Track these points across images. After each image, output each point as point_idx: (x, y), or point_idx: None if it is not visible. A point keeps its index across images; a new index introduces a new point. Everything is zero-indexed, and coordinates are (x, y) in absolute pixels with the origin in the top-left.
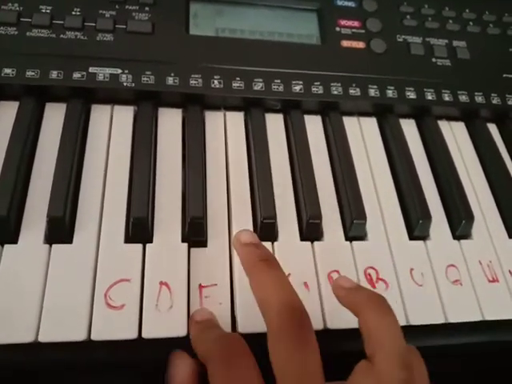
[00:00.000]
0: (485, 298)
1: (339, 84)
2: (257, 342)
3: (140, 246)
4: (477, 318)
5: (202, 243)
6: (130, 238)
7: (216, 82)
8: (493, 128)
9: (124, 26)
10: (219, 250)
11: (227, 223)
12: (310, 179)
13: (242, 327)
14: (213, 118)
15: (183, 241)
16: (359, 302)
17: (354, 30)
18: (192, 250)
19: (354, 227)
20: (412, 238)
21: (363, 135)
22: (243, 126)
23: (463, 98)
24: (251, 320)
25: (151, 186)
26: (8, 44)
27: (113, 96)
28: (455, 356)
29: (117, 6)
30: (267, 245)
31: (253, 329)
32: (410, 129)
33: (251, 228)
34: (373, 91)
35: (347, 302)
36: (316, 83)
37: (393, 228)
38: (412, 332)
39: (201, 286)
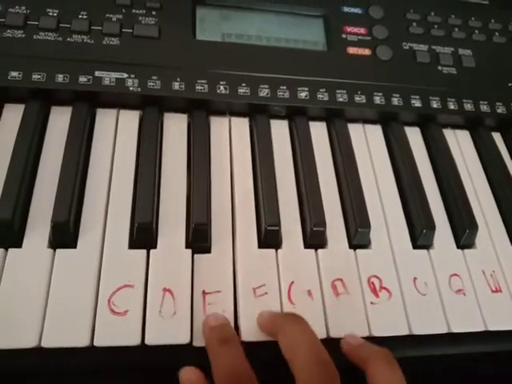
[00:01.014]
0: (488, 308)
1: (344, 91)
2: (260, 351)
3: (144, 251)
4: (480, 328)
5: (206, 249)
6: (134, 244)
7: (222, 87)
8: (497, 137)
9: (130, 31)
10: (223, 256)
11: (231, 229)
12: (314, 186)
13: (246, 335)
14: (218, 123)
15: (187, 247)
16: (366, 357)
17: (360, 37)
18: (196, 256)
19: (358, 235)
20: (416, 246)
21: (368, 143)
22: (248, 131)
23: (468, 106)
24: (255, 328)
25: (156, 191)
26: (15, 47)
27: (118, 100)
28: (458, 365)
29: (123, 10)
30: (271, 252)
31: (256, 337)
32: (414, 137)
33: (255, 235)
34: (378, 99)
35: (354, 357)
36: (321, 90)
37: (397, 237)
38: (415, 341)
39: (204, 293)
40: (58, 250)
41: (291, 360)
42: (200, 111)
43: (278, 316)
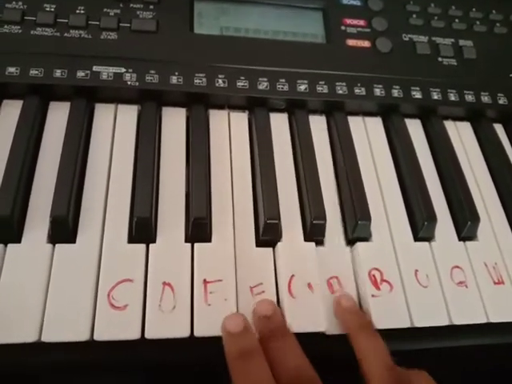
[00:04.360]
0: (490, 300)
1: (344, 83)
2: None
3: (143, 246)
4: (482, 320)
5: (206, 241)
6: (133, 238)
7: (220, 81)
8: (499, 128)
9: (128, 25)
10: (224, 245)
11: (232, 223)
12: (314, 179)
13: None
14: (217, 117)
15: (187, 241)
16: (350, 327)
17: (359, 29)
18: (196, 245)
19: (359, 228)
20: (417, 239)
21: (368, 135)
22: (247, 125)
23: (469, 97)
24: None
25: (155, 185)
26: (12, 42)
27: (117, 95)
28: (459, 358)
29: (121, 5)
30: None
31: None
32: (415, 129)
33: (253, 228)
34: (378, 91)
35: (342, 321)
36: (321, 82)
37: (397, 229)
38: (416, 334)
39: (205, 282)
40: (57, 245)
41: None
42: (199, 105)
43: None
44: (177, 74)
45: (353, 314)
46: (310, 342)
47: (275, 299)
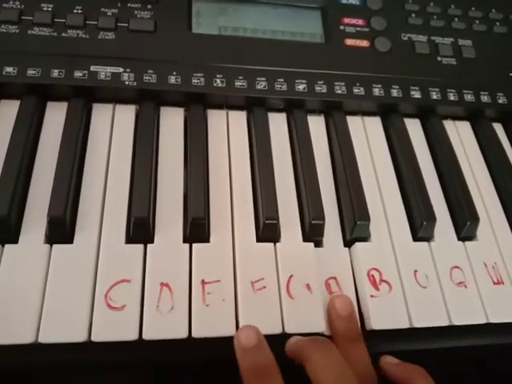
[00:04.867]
0: (489, 301)
1: (343, 83)
2: None
3: (141, 246)
4: (481, 320)
5: (205, 242)
6: (130, 239)
7: (218, 80)
8: (498, 128)
9: (126, 25)
10: (222, 245)
11: (230, 223)
12: (312, 180)
13: None
14: (215, 117)
15: (185, 241)
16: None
17: (358, 29)
18: (194, 245)
19: (357, 228)
20: (416, 239)
21: (367, 135)
22: (246, 125)
23: (469, 97)
24: (255, 319)
25: (152, 185)
26: (9, 42)
27: (114, 95)
28: (458, 359)
29: (119, 4)
30: (269, 246)
31: None
32: (414, 128)
33: (253, 228)
34: (377, 90)
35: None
36: (319, 82)
37: (396, 229)
38: (415, 334)
39: (203, 282)
40: (54, 246)
41: None
42: (197, 105)
43: (305, 342)
44: (175, 73)
45: (341, 319)
46: None
47: (277, 295)
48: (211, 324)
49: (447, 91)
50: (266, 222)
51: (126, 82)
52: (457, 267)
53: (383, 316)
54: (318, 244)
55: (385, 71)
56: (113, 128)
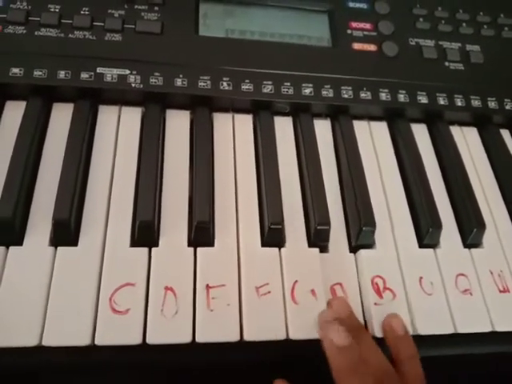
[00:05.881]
0: (495, 309)
1: (350, 87)
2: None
3: (146, 249)
4: (487, 328)
5: (209, 246)
6: (135, 242)
7: (225, 83)
8: (506, 134)
9: (133, 26)
10: (227, 250)
11: (235, 227)
12: (318, 184)
13: (248, 335)
14: (221, 120)
15: (189, 245)
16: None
17: (365, 33)
18: (199, 249)
19: (363, 234)
20: (422, 245)
21: (373, 140)
22: (252, 128)
23: (476, 103)
24: (258, 328)
25: (158, 188)
26: (16, 43)
27: (120, 97)
28: (464, 367)
29: (126, 6)
30: (274, 251)
31: (260, 336)
32: (421, 134)
33: (258, 232)
34: (384, 95)
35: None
36: (326, 86)
37: (402, 235)
38: (420, 342)
39: (208, 287)
40: (59, 248)
41: None
42: (203, 108)
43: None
44: (181, 76)
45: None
46: (313, 347)
47: (281, 300)
48: (215, 329)
49: (454, 96)
50: (271, 226)
51: (133, 84)
52: (462, 275)
53: None
54: (324, 249)
55: (392, 76)
56: (118, 130)
